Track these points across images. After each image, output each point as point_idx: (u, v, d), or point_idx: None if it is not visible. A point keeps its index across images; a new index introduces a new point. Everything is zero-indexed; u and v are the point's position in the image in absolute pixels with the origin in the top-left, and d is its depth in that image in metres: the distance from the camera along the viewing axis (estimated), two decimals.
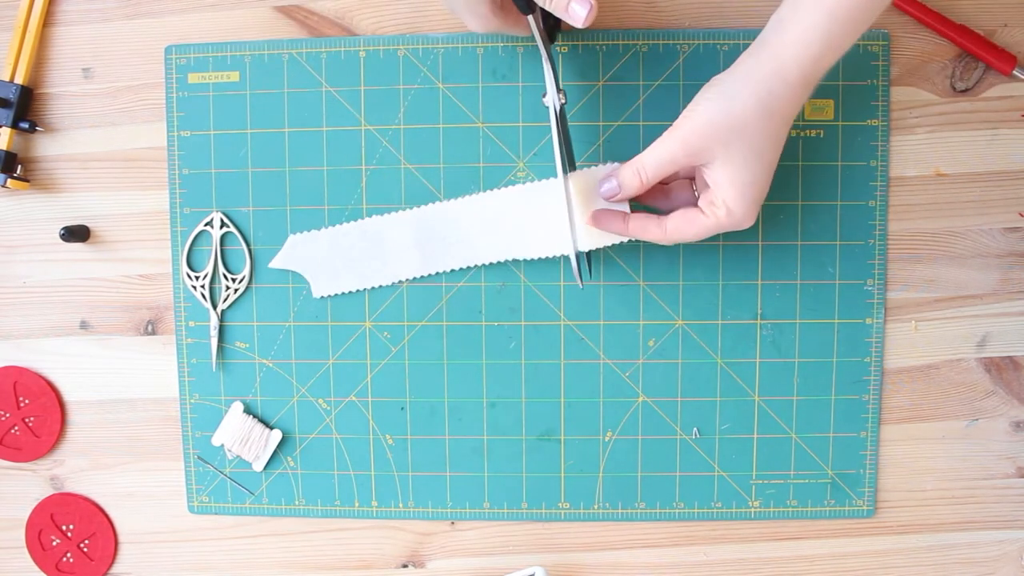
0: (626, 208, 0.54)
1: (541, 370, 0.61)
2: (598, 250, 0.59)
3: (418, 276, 0.60)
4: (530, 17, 0.51)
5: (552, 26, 0.54)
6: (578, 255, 0.55)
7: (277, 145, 0.60)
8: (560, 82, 0.54)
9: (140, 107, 0.62)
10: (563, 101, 0.54)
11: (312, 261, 0.60)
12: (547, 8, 0.49)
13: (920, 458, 0.61)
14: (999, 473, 0.61)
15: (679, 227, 0.52)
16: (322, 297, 0.60)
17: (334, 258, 0.60)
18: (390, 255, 0.60)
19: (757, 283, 0.60)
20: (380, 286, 0.60)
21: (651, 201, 0.55)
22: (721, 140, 0.48)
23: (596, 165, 0.55)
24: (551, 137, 0.54)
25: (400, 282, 0.60)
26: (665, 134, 0.50)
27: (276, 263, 0.60)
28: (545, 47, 0.53)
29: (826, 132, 0.59)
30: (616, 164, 0.53)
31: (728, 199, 0.49)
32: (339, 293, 0.60)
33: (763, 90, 0.47)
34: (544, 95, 0.54)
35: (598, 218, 0.54)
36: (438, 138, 0.60)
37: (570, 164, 0.55)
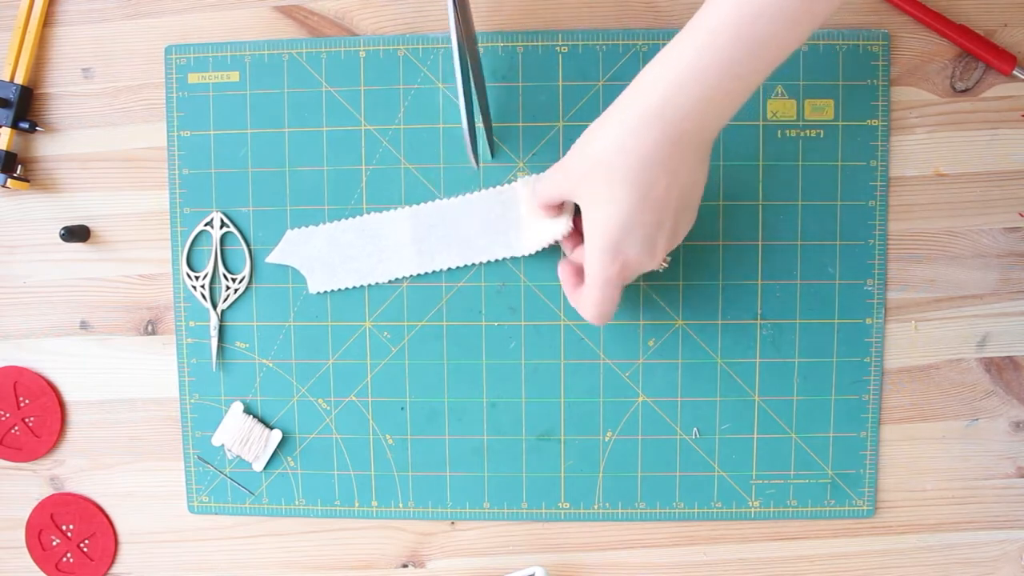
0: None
1: (541, 370, 0.61)
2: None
3: (415, 274, 0.60)
4: None
5: None
6: (472, 130, 0.54)
7: (277, 145, 0.60)
8: None
9: (140, 107, 0.62)
10: None
11: (309, 257, 0.60)
12: None
13: (920, 458, 0.61)
14: (999, 473, 0.61)
15: (580, 301, 0.52)
16: (318, 293, 0.60)
17: (331, 254, 0.60)
18: (387, 252, 0.60)
19: (757, 283, 0.60)
20: (377, 283, 0.60)
21: (577, 257, 0.55)
22: (588, 180, 0.47)
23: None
24: (452, 52, 0.53)
25: (397, 280, 0.60)
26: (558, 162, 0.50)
27: (273, 258, 0.60)
28: None
29: (826, 132, 0.59)
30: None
31: (587, 242, 0.48)
32: (335, 289, 0.60)
33: (621, 125, 0.45)
34: None
35: (560, 268, 0.55)
36: (438, 138, 0.60)
37: (472, 51, 0.53)
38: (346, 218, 0.60)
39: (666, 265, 0.59)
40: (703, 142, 0.46)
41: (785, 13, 0.41)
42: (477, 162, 0.56)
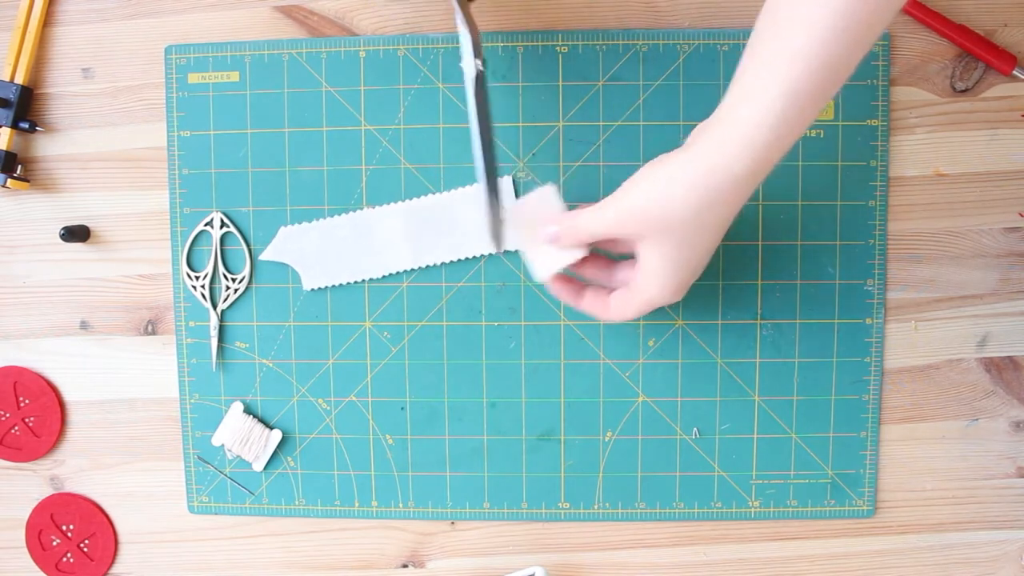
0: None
1: (541, 370, 0.61)
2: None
3: (409, 269, 0.60)
4: None
5: None
6: (495, 221, 0.52)
7: (277, 145, 0.60)
8: (480, 46, 0.52)
9: (140, 107, 0.62)
10: (481, 68, 0.52)
11: (303, 253, 0.60)
12: None
13: (920, 458, 0.61)
14: (999, 473, 0.61)
15: (620, 305, 0.51)
16: (314, 290, 0.60)
17: (325, 250, 0.60)
18: (380, 247, 0.60)
19: (757, 283, 0.60)
20: (371, 279, 0.60)
21: (594, 274, 0.53)
22: (653, 229, 0.46)
23: (531, 193, 0.53)
24: (469, 116, 0.52)
25: (391, 275, 0.60)
26: (604, 201, 0.48)
27: (267, 255, 0.60)
28: (461, 8, 0.51)
29: (826, 132, 0.59)
30: (547, 187, 0.52)
31: (653, 285, 0.48)
32: (330, 286, 0.60)
33: (702, 186, 0.44)
34: (461, 60, 0.52)
35: (555, 285, 0.53)
36: (438, 138, 0.60)
37: (488, 145, 0.52)
38: (340, 214, 0.60)
39: None
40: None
41: (846, 68, 0.41)
42: (500, 247, 0.53)
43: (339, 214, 0.60)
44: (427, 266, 0.60)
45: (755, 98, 0.42)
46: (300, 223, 0.60)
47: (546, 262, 0.52)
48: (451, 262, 0.60)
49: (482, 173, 0.52)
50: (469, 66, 0.52)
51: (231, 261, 0.61)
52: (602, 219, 0.48)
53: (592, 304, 0.52)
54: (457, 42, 0.59)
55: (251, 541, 0.63)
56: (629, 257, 0.50)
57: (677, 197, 0.44)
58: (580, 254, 0.51)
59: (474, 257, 0.60)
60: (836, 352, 0.60)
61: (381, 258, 0.60)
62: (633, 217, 0.46)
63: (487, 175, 0.52)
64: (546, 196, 0.52)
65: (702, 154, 0.44)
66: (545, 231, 0.51)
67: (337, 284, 0.60)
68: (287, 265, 0.61)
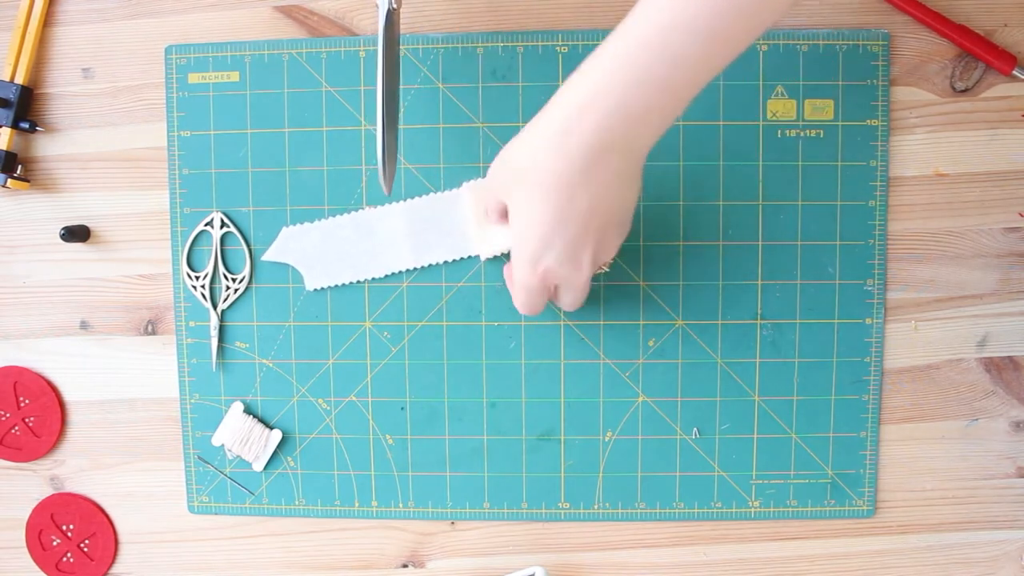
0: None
1: (541, 370, 0.61)
2: None
3: (410, 268, 0.60)
4: None
5: None
6: (383, 154, 0.52)
7: (277, 145, 0.60)
8: None
9: (140, 107, 0.62)
10: (395, 6, 0.51)
11: (305, 254, 0.60)
12: None
13: (920, 458, 0.61)
14: (999, 473, 0.61)
15: (513, 296, 0.52)
16: (316, 290, 0.60)
17: (327, 250, 0.60)
18: (382, 247, 0.59)
19: (757, 283, 0.60)
20: (373, 279, 0.60)
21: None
22: (503, 183, 0.47)
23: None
24: (376, 60, 0.52)
25: (393, 274, 0.60)
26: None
27: (269, 255, 0.60)
28: None
29: (826, 132, 0.59)
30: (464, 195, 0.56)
31: (513, 246, 0.48)
32: (332, 286, 0.60)
33: (535, 129, 0.45)
34: None
35: (506, 270, 0.54)
36: (438, 138, 0.60)
37: (391, 74, 0.52)
38: (341, 214, 0.60)
39: (606, 269, 0.58)
40: (628, 157, 0.44)
41: (700, 29, 0.40)
42: (388, 188, 0.53)
43: (339, 214, 0.60)
44: (428, 265, 0.60)
45: (575, 76, 0.43)
46: (302, 223, 0.60)
47: (489, 243, 0.56)
48: (451, 262, 0.60)
49: (381, 114, 0.52)
50: (383, 1, 0.51)
51: (231, 261, 0.61)
52: (486, 181, 0.50)
53: (512, 291, 0.53)
54: (459, 41, 0.59)
55: (251, 541, 0.63)
56: None
57: (513, 154, 0.46)
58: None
59: (474, 257, 0.59)
60: (836, 352, 0.60)
61: (383, 258, 0.60)
62: (495, 176, 0.48)
63: (386, 117, 0.51)
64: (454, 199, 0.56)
65: (536, 119, 0.45)
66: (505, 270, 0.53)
67: (340, 284, 0.60)
68: (288, 265, 0.61)
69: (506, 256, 0.56)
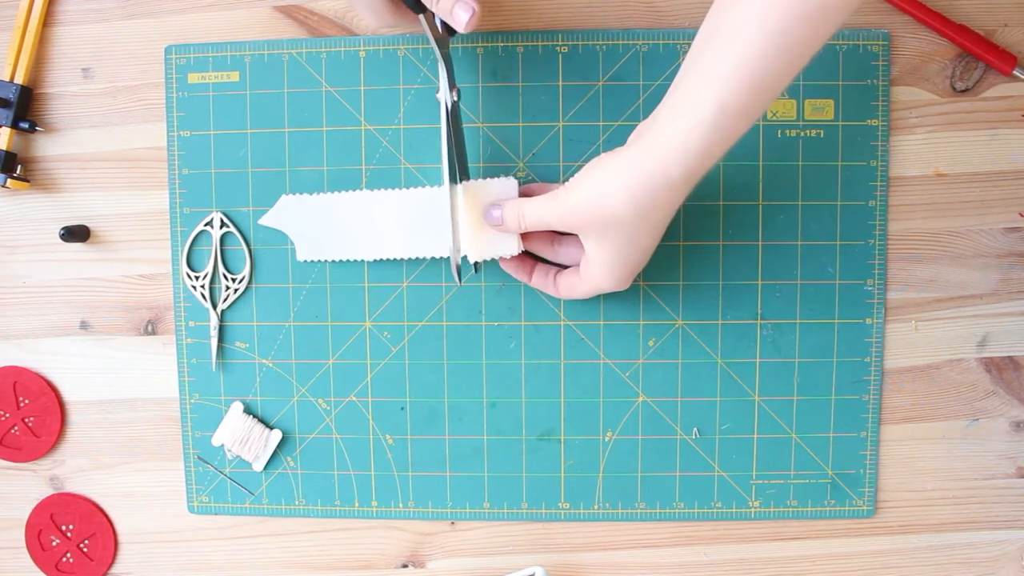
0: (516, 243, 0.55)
1: (541, 370, 0.61)
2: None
3: (402, 257, 0.59)
4: (421, 16, 0.52)
5: (446, 23, 0.54)
6: (457, 263, 0.55)
7: (277, 145, 0.60)
8: (454, 79, 0.54)
9: (140, 107, 0.62)
10: (455, 99, 0.54)
11: (300, 224, 0.60)
12: (433, 10, 0.51)
13: (920, 458, 0.61)
14: (999, 473, 0.61)
15: (567, 287, 0.55)
16: (306, 262, 0.60)
17: (323, 224, 0.60)
18: (377, 230, 0.59)
19: (757, 283, 0.60)
20: (363, 260, 0.60)
21: (538, 249, 0.57)
22: (595, 227, 0.49)
23: (492, 179, 0.55)
24: (440, 138, 0.55)
25: (382, 260, 0.59)
26: (550, 195, 0.51)
27: (265, 220, 0.60)
28: (437, 45, 0.53)
29: (826, 132, 0.59)
30: (509, 179, 0.55)
31: (597, 275, 0.52)
32: (322, 260, 0.60)
33: (639, 189, 0.47)
34: (437, 91, 0.54)
35: (506, 265, 0.57)
36: (438, 138, 0.60)
37: (461, 165, 0.55)
38: (343, 191, 0.60)
39: None
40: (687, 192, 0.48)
41: (787, 74, 0.43)
42: (460, 279, 0.56)
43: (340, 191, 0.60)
44: (418, 258, 0.59)
45: (690, 109, 0.45)
46: (301, 194, 0.60)
47: (482, 247, 0.55)
48: (442, 259, 0.60)
49: (452, 212, 0.55)
50: (445, 96, 0.54)
51: (231, 261, 0.61)
52: (547, 212, 0.51)
53: (541, 282, 0.57)
54: (459, 41, 0.59)
55: (251, 541, 0.63)
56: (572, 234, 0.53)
57: (619, 197, 0.47)
58: (514, 250, 0.55)
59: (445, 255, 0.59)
60: (836, 352, 0.60)
61: (376, 241, 0.59)
62: (576, 214, 0.49)
63: (454, 206, 0.55)
64: (506, 186, 0.55)
65: (642, 157, 0.47)
66: (491, 212, 0.54)
67: (330, 260, 0.60)
68: (288, 264, 0.61)
69: (494, 260, 0.56)
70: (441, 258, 0.59)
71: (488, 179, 0.55)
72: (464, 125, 0.59)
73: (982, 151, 0.59)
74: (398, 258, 0.59)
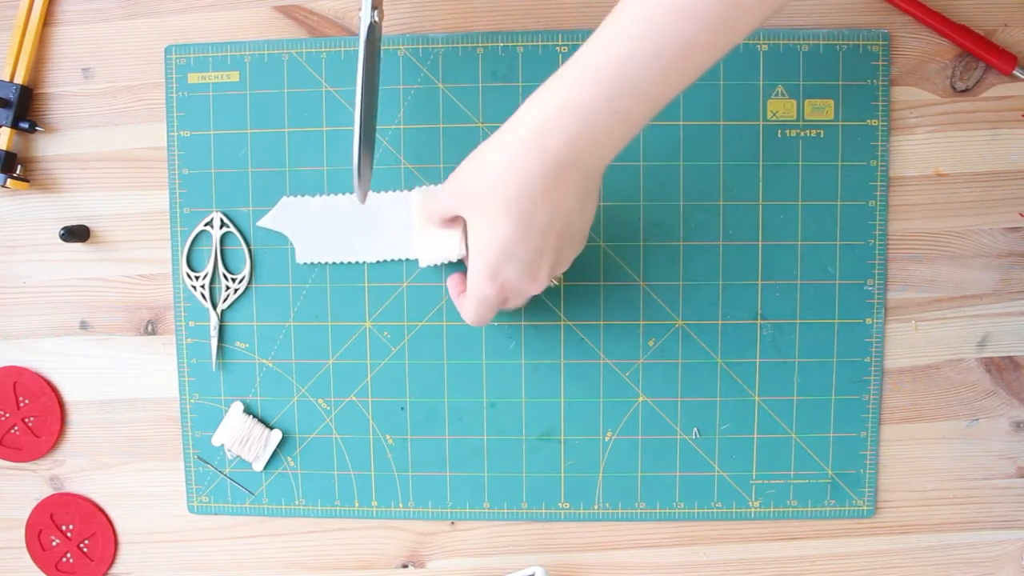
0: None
1: (541, 370, 0.61)
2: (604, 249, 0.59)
3: (405, 259, 0.59)
4: None
5: None
6: (359, 166, 0.53)
7: (277, 145, 0.60)
8: None
9: (140, 107, 0.62)
10: (376, 20, 0.52)
11: (300, 225, 0.60)
12: None
13: (920, 458, 0.61)
14: (999, 473, 0.61)
15: (462, 306, 0.53)
16: (305, 264, 0.60)
17: (323, 226, 0.60)
18: (380, 232, 0.59)
19: (757, 283, 0.60)
20: (363, 262, 0.60)
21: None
22: (467, 199, 0.47)
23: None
24: (356, 66, 0.52)
25: (385, 261, 0.59)
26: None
27: (265, 222, 0.60)
28: None
29: (826, 132, 0.59)
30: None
31: (470, 259, 0.49)
32: (323, 262, 0.60)
33: (496, 150, 0.45)
34: (360, 9, 0.52)
35: (450, 279, 0.56)
36: (438, 138, 0.60)
37: (369, 86, 0.53)
38: (343, 193, 0.60)
39: (556, 283, 0.59)
40: (588, 174, 0.45)
41: (660, 58, 0.41)
42: (364, 198, 0.54)
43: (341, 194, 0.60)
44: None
45: (543, 87, 0.44)
46: (302, 195, 0.60)
47: (431, 251, 0.56)
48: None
49: (359, 127, 0.52)
50: (366, 15, 0.52)
51: (231, 261, 0.61)
52: (442, 190, 0.50)
53: (458, 303, 0.55)
54: (459, 41, 0.59)
55: (251, 541, 0.63)
56: None
57: (472, 167, 0.46)
58: (458, 252, 0.55)
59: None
60: (836, 352, 0.60)
61: (378, 244, 0.59)
62: (455, 188, 0.48)
63: (362, 131, 0.52)
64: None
65: (498, 131, 0.45)
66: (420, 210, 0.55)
67: (330, 262, 0.60)
68: (288, 264, 0.61)
69: (446, 266, 0.56)
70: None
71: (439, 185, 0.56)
72: (469, 125, 0.59)
73: (982, 151, 0.59)
74: (398, 259, 0.59)
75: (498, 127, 0.59)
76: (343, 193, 0.60)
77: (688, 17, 0.40)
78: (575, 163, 0.44)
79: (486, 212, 0.46)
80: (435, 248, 0.56)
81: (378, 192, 0.59)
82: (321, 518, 0.63)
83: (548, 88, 0.44)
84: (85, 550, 0.64)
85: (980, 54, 0.58)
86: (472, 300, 0.50)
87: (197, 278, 0.61)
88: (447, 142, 0.60)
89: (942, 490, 0.61)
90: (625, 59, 0.41)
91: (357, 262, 0.60)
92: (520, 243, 0.46)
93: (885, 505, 0.61)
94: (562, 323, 0.60)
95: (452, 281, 0.56)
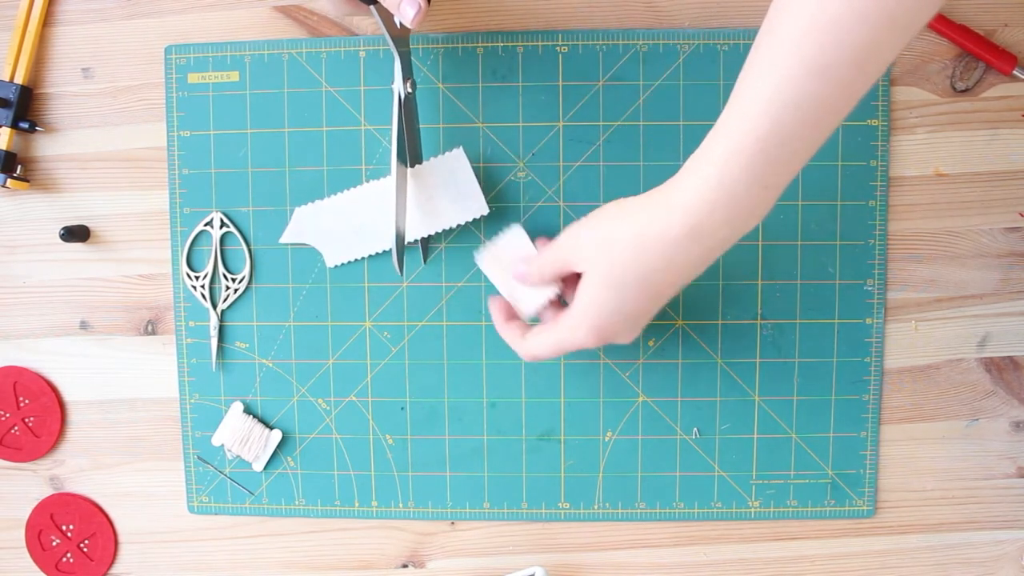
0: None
1: (541, 370, 0.61)
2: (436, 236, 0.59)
3: (424, 236, 0.58)
4: (372, 7, 0.51)
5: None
6: (399, 247, 0.55)
7: (277, 145, 0.60)
8: (410, 71, 0.54)
9: (140, 107, 0.62)
10: (409, 91, 0.54)
11: (321, 231, 0.60)
12: (382, 3, 0.50)
13: (920, 458, 0.61)
14: (999, 473, 0.61)
15: (536, 338, 0.52)
16: (336, 266, 0.60)
17: (342, 226, 0.60)
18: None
19: (757, 283, 0.60)
20: (387, 251, 0.59)
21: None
22: (591, 263, 0.47)
23: (502, 235, 0.57)
24: (391, 128, 0.54)
25: (409, 243, 0.59)
26: (560, 237, 0.51)
27: (286, 238, 0.60)
28: (390, 34, 0.53)
29: None
30: (515, 228, 0.57)
31: (575, 318, 0.49)
32: (352, 260, 0.60)
33: (640, 236, 0.44)
34: (392, 82, 0.54)
35: (493, 303, 0.56)
36: (438, 138, 0.60)
37: (413, 155, 0.56)
38: (348, 188, 0.60)
39: None
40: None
41: (818, 122, 0.40)
42: (402, 271, 0.57)
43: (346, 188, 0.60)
44: (440, 232, 0.58)
45: (698, 168, 0.42)
46: (312, 202, 0.60)
47: (530, 299, 0.55)
48: (448, 255, 0.60)
49: (397, 201, 0.55)
50: (399, 87, 0.54)
51: (231, 261, 0.61)
52: (557, 248, 0.50)
53: (510, 331, 0.55)
54: (459, 41, 0.59)
55: (251, 541, 0.63)
56: None
57: (619, 240, 0.45)
58: (554, 291, 0.54)
59: (479, 219, 0.58)
60: (836, 352, 0.60)
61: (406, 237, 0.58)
62: (578, 247, 0.48)
63: (398, 202, 0.55)
64: (514, 237, 0.57)
65: (651, 210, 0.44)
66: (516, 270, 0.54)
67: (360, 258, 0.60)
68: (287, 265, 0.61)
69: (487, 285, 0.57)
70: (443, 251, 0.59)
71: (497, 238, 0.56)
72: (469, 125, 0.59)
73: (982, 151, 0.59)
74: (423, 236, 0.59)
75: (498, 127, 0.59)
76: (348, 188, 0.60)
77: (828, 76, 0.38)
78: (717, 247, 0.44)
79: (620, 285, 0.46)
80: (539, 294, 0.55)
81: (379, 180, 0.59)
82: (321, 518, 0.63)
83: (697, 175, 0.42)
84: (85, 550, 0.64)
85: (980, 54, 0.58)
86: (556, 344, 0.50)
87: (197, 278, 0.61)
88: (447, 142, 0.59)
89: (942, 490, 0.61)
90: (782, 138, 0.40)
91: (387, 251, 0.59)
92: (646, 312, 0.48)
93: (885, 505, 0.61)
94: None
95: (498, 306, 0.56)
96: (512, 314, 0.56)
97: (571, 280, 0.53)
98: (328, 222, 0.60)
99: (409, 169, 0.56)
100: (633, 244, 0.45)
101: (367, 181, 0.60)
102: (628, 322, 0.48)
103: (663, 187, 0.44)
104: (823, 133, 0.41)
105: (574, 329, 0.49)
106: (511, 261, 0.56)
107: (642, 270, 0.45)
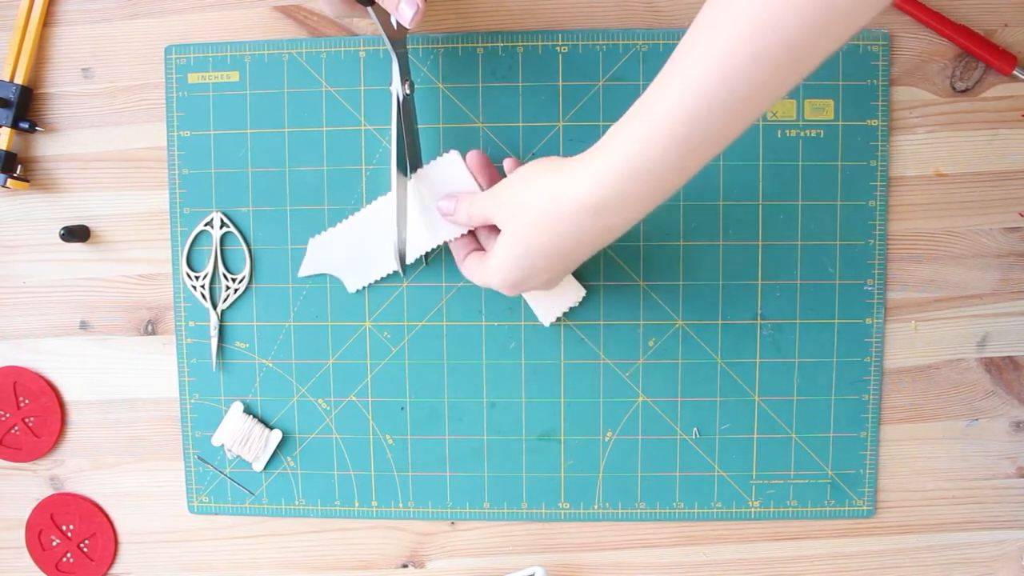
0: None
1: (541, 370, 0.61)
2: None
3: (430, 249, 0.58)
4: (370, 8, 0.52)
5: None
6: (402, 251, 0.57)
7: (277, 145, 0.60)
8: (408, 72, 0.54)
9: (140, 107, 0.62)
10: (408, 92, 0.54)
11: (336, 259, 0.60)
12: (380, 4, 0.51)
13: (920, 458, 0.61)
14: (999, 473, 0.61)
15: (470, 268, 0.54)
16: (357, 291, 0.60)
17: (357, 251, 0.59)
18: (413, 226, 0.58)
19: (757, 283, 0.60)
20: (418, 259, 0.59)
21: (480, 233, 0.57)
22: (507, 213, 0.49)
23: (437, 159, 0.56)
24: (391, 130, 0.55)
25: (419, 258, 0.59)
26: (488, 191, 0.52)
27: (304, 271, 0.60)
28: (389, 38, 0.53)
29: (826, 132, 0.59)
30: (451, 154, 0.55)
31: (492, 265, 0.51)
32: (372, 283, 0.60)
33: (555, 199, 0.45)
34: (390, 84, 0.54)
35: (457, 242, 0.56)
36: (438, 138, 0.60)
37: (413, 158, 0.56)
38: (352, 213, 0.60)
39: None
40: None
41: (736, 107, 0.40)
42: (404, 271, 0.58)
43: (339, 213, 0.60)
44: (446, 243, 0.57)
45: (617, 143, 0.43)
46: (324, 231, 0.60)
47: (552, 308, 0.59)
48: (447, 255, 0.60)
49: (398, 204, 0.55)
50: (397, 89, 0.54)
51: (231, 261, 0.61)
52: (482, 203, 0.52)
53: (457, 254, 0.56)
54: (459, 41, 0.59)
55: (251, 541, 0.63)
56: None
57: (532, 207, 0.47)
58: (460, 232, 0.55)
59: None
60: (836, 352, 0.60)
61: (408, 245, 0.58)
62: (498, 205, 0.50)
63: (399, 206, 0.55)
64: (451, 162, 0.56)
65: (567, 176, 0.45)
66: (440, 204, 0.55)
67: (379, 279, 0.60)
68: (287, 264, 0.61)
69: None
70: (444, 251, 0.59)
71: (433, 161, 0.56)
72: (469, 125, 0.59)
73: (982, 151, 0.59)
74: (430, 249, 0.58)
75: (498, 127, 0.59)
76: (347, 212, 0.60)
77: (763, 59, 0.38)
78: (621, 224, 0.46)
79: (528, 249, 0.48)
80: (554, 304, 0.58)
81: (384, 196, 0.59)
82: (321, 518, 0.63)
83: (608, 152, 0.43)
84: (85, 550, 0.64)
85: (980, 54, 0.58)
86: (481, 283, 0.53)
87: (197, 278, 0.61)
88: (447, 142, 0.60)
89: (942, 490, 0.61)
90: (703, 113, 0.40)
91: (411, 264, 0.59)
92: (557, 274, 0.51)
93: (885, 505, 0.61)
94: (562, 323, 0.60)
95: (459, 242, 0.56)
96: (473, 247, 0.56)
97: (493, 228, 0.54)
98: (342, 250, 0.60)
99: (409, 180, 0.56)
100: (544, 212, 0.46)
101: (367, 195, 0.60)
102: (539, 280, 0.51)
103: (586, 154, 0.45)
104: (749, 119, 0.41)
105: (490, 276, 0.51)
106: (441, 186, 0.55)
107: (549, 238, 0.47)
